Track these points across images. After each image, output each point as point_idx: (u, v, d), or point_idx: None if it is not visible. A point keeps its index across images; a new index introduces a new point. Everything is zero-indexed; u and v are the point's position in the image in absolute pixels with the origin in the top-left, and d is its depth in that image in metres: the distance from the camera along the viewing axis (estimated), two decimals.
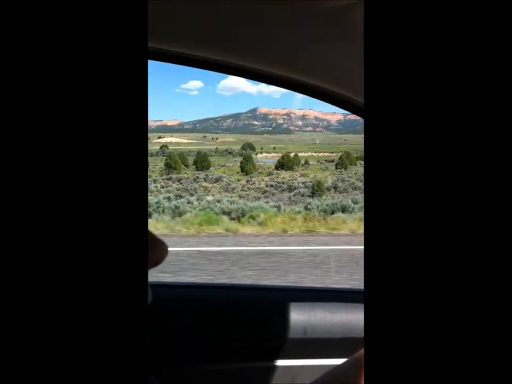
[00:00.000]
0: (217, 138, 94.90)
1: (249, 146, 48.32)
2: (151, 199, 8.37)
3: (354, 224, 6.86)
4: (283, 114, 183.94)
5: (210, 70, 0.69)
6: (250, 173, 22.96)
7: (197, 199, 10.55)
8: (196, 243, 5.66)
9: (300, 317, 0.96)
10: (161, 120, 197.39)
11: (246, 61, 0.67)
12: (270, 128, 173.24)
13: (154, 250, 0.31)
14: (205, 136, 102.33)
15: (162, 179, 18.14)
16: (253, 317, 0.96)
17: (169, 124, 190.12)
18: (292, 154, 33.36)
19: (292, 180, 18.01)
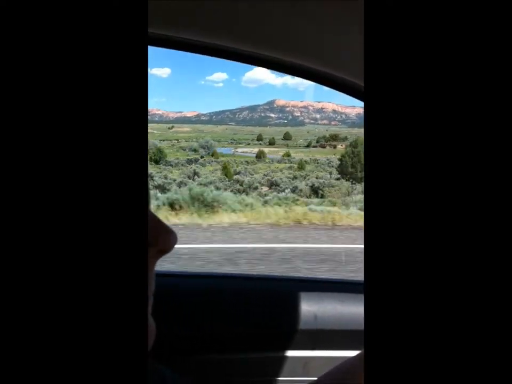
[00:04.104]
0: (172, 127, 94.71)
1: None
2: None
3: None
4: (301, 107, 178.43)
5: (218, 56, 0.69)
6: None
7: None
8: None
9: (310, 307, 0.97)
10: (181, 112, 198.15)
11: (248, 46, 0.67)
12: (286, 121, 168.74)
13: (161, 238, 0.29)
14: (171, 126, 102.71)
15: None
16: (262, 306, 0.97)
17: (188, 115, 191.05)
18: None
19: None
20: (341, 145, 46.01)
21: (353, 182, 13.03)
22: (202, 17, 0.60)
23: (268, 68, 0.71)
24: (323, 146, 47.89)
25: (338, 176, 13.44)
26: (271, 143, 52.44)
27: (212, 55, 0.68)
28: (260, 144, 52.27)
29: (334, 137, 53.91)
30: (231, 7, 0.58)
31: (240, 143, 52.86)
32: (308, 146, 48.44)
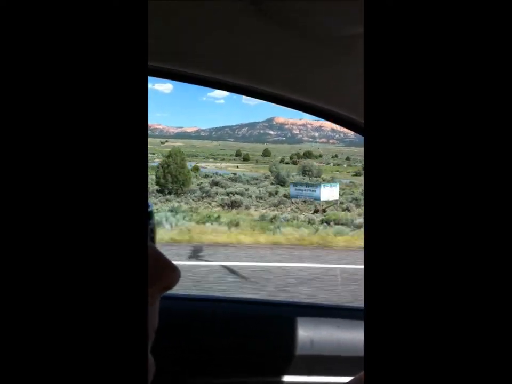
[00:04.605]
0: (166, 141, 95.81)
1: None
2: None
3: None
4: (300, 125, 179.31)
5: (219, 89, 0.72)
6: None
7: None
8: None
9: (307, 332, 0.98)
10: (182, 127, 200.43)
11: (250, 82, 0.68)
12: (284, 138, 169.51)
13: (165, 275, 0.30)
14: (165, 141, 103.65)
15: None
16: (259, 331, 0.98)
17: (188, 130, 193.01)
18: None
19: None
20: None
21: (165, 193, 12.73)
22: (202, 53, 0.61)
23: (267, 101, 0.73)
24: (295, 163, 48.05)
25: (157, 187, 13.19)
26: (245, 159, 52.85)
27: (211, 87, 0.70)
28: (234, 160, 52.61)
29: (308, 154, 54.23)
30: (231, 45, 0.59)
31: (216, 159, 53.18)
32: (281, 162, 48.55)
